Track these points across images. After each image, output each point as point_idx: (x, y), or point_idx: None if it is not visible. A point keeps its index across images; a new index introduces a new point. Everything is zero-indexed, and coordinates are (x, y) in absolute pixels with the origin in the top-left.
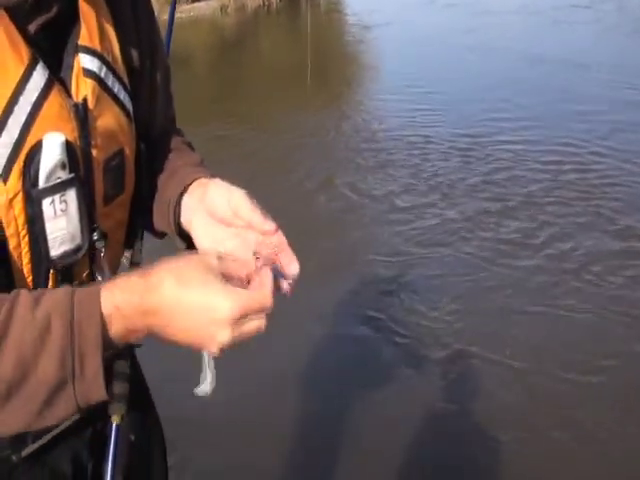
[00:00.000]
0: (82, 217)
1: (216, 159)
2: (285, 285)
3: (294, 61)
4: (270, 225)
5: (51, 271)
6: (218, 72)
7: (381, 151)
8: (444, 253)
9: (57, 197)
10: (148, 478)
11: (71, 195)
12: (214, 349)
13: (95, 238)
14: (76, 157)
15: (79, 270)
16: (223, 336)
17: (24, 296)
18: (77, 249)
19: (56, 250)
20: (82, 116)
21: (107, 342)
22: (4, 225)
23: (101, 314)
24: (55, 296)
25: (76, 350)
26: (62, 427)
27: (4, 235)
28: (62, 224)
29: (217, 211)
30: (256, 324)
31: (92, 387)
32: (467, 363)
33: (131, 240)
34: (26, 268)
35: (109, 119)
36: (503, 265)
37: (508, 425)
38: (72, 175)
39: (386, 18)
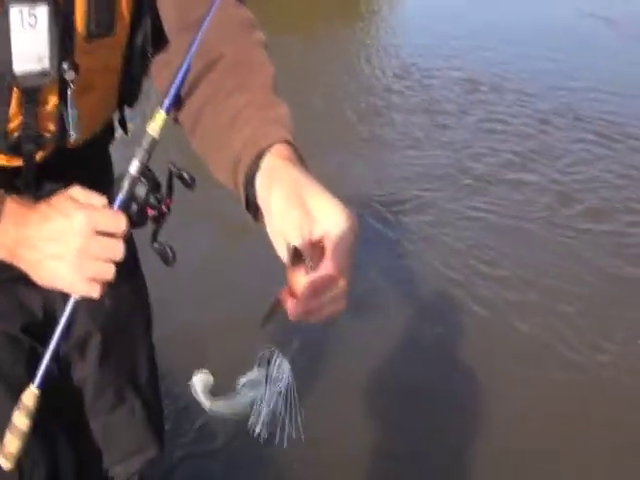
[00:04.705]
0: (52, 39)
1: None
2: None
3: None
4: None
5: (15, 89)
6: None
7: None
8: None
9: (26, 9)
10: (130, 346)
11: (41, 11)
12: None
13: (65, 68)
14: None
15: (45, 98)
16: (74, 243)
17: None
18: (43, 73)
19: (19, 66)
20: None
21: None
22: None
23: None
24: None
25: None
26: None
27: None
28: (28, 39)
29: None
30: (109, 244)
31: None
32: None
33: (128, 99)
34: None
35: None
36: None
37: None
38: None
39: None
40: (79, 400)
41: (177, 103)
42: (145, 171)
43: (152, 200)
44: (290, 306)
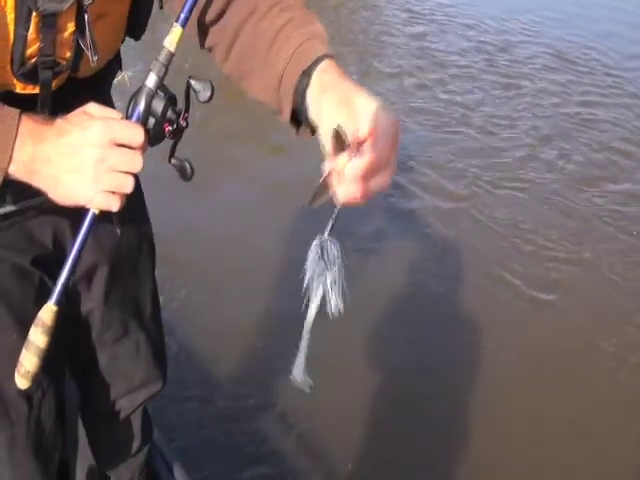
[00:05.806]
0: None
1: None
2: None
3: None
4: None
5: (34, 14)
6: None
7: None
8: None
9: None
10: (135, 281)
11: None
12: (88, 177)
13: None
14: None
15: (63, 24)
16: (92, 154)
17: None
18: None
19: None
20: None
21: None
22: None
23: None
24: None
25: None
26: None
27: None
28: None
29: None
30: (127, 155)
31: None
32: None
33: (136, 30)
34: (9, 2)
35: None
36: None
37: None
38: None
39: None
40: (85, 333)
41: (204, 30)
42: (161, 85)
43: (170, 114)
44: (336, 188)
